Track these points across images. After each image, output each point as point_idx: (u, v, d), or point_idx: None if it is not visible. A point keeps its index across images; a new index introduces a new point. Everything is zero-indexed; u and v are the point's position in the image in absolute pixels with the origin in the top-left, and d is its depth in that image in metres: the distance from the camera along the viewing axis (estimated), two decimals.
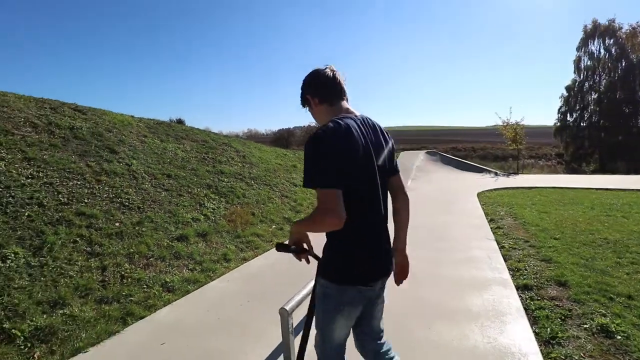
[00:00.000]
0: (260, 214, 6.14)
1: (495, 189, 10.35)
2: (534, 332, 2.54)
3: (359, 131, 1.30)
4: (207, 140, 8.82)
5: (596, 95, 28.48)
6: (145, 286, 3.33)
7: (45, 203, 3.87)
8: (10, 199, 3.67)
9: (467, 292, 3.24)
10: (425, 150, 17.32)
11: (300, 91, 1.46)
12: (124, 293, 3.13)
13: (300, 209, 7.25)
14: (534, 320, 2.73)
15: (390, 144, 1.47)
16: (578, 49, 28.73)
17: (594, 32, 27.30)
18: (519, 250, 4.52)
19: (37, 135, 5.14)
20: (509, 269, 3.81)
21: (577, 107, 29.56)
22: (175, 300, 3.19)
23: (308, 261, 1.45)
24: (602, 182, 11.07)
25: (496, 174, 14.69)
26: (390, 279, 1.49)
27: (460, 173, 14.51)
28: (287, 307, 2.10)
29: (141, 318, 2.84)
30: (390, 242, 1.45)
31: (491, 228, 5.64)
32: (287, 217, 6.52)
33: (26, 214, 3.56)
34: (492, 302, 3.00)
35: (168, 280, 3.51)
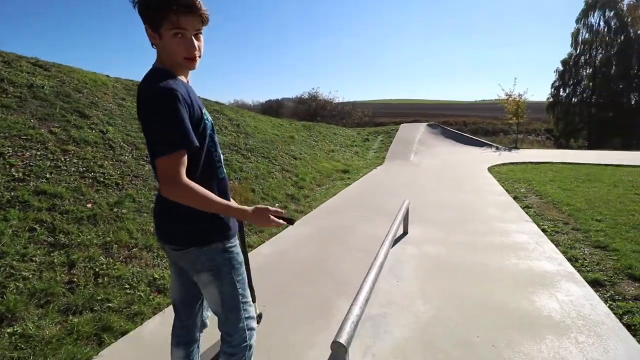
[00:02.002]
0: (261, 191, 5.39)
1: (503, 164, 9.83)
2: None
3: None
4: None
5: (591, 70, 27.98)
6: (127, 286, 2.59)
7: None
8: None
9: (532, 289, 2.65)
10: (427, 123, 16.58)
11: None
12: (98, 297, 2.39)
13: (303, 184, 6.52)
14: (633, 332, 2.16)
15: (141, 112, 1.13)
16: (577, 20, 27.91)
17: (596, 3, 26.41)
18: (564, 234, 3.96)
19: None
20: (566, 259, 3.24)
21: (571, 82, 29.11)
22: (168, 305, 2.47)
23: None
24: (610, 158, 10.72)
25: (497, 148, 14.20)
26: None
27: (462, 147, 13.92)
28: (342, 340, 1.41)
29: (123, 334, 2.12)
30: (162, 215, 1.31)
31: (520, 207, 5.08)
32: (290, 193, 5.78)
33: None
34: (573, 305, 2.41)
35: (157, 276, 2.78)
